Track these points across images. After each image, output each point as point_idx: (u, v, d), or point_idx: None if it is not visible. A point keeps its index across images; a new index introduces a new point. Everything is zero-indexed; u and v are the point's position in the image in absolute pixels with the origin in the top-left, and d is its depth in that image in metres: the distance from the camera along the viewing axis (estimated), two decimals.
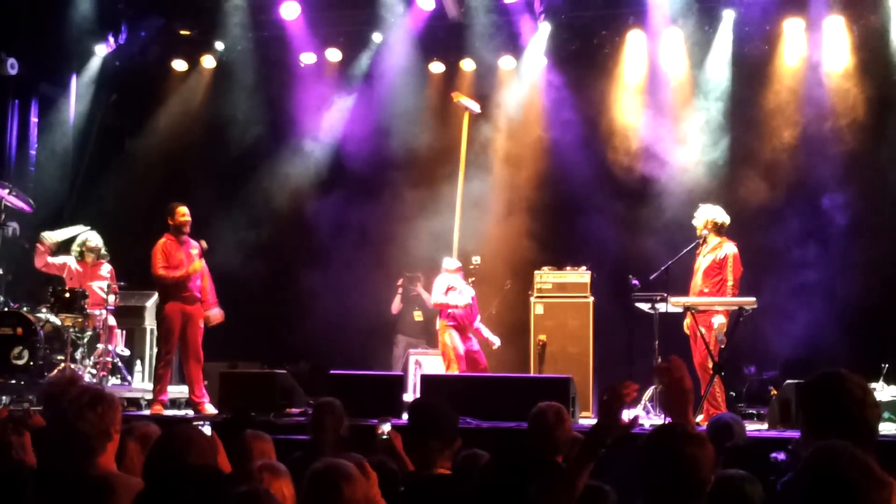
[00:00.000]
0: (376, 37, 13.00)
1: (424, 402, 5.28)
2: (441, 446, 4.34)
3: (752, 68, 11.96)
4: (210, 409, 9.77)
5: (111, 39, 13.32)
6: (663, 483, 3.00)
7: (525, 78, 12.82)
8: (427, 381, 9.57)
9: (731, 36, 11.97)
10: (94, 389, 4.14)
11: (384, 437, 5.09)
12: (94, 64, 13.38)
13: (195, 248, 9.95)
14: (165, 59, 13.56)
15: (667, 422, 3.64)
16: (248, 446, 4.61)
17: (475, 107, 11.82)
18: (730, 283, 9.33)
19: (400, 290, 12.23)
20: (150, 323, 11.83)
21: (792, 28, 11.77)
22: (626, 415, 9.11)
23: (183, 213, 9.93)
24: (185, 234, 9.93)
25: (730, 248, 9.44)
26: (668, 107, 12.11)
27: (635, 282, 9.66)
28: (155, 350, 10.92)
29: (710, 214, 9.54)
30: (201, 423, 6.78)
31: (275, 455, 4.87)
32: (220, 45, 13.33)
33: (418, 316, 12.21)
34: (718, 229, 9.52)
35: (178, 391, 11.17)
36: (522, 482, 2.63)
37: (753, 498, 3.15)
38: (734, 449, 4.40)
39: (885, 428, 8.33)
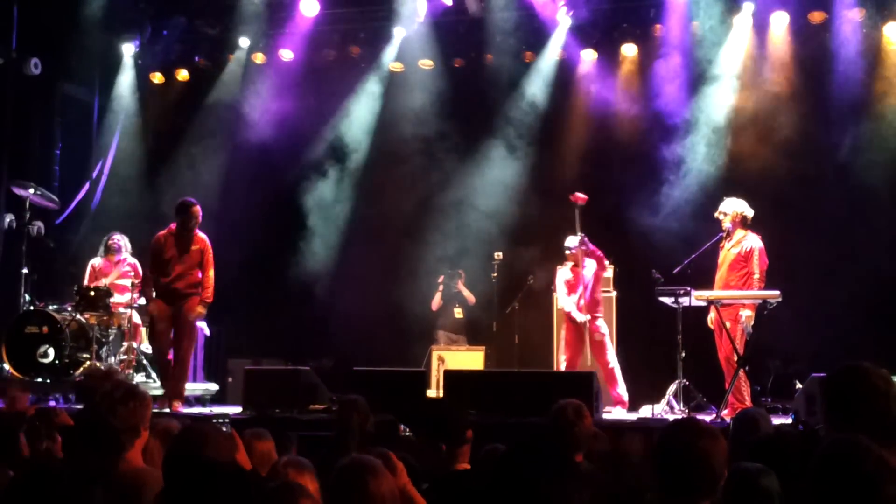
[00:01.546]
0: (397, 31, 12.99)
1: (430, 403, 5.27)
2: (449, 447, 4.32)
3: (774, 59, 11.87)
4: (180, 407, 9.64)
5: (136, 39, 13.40)
6: (675, 475, 3.01)
7: (546, 72, 12.78)
8: (450, 376, 9.56)
9: (750, 28, 11.89)
10: (127, 385, 4.19)
11: (406, 434, 5.11)
12: (117, 63, 13.46)
13: (197, 244, 9.83)
14: (188, 57, 13.60)
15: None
16: (248, 447, 4.60)
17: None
18: (756, 275, 9.29)
19: (441, 288, 12.21)
20: None
21: (813, 20, 11.70)
22: (651, 410, 9.11)
23: (197, 214, 9.80)
24: (191, 231, 9.83)
25: (755, 241, 9.40)
26: (691, 98, 12.02)
27: (658, 276, 9.62)
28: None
29: (737, 207, 9.50)
30: (221, 420, 6.82)
31: (276, 454, 4.89)
32: (244, 42, 13.34)
33: (458, 313, 12.19)
34: (744, 222, 9.49)
35: (202, 388, 11.25)
36: (537, 478, 2.64)
37: (770, 491, 3.14)
38: (759, 443, 4.37)
39: None
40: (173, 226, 9.87)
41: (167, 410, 9.48)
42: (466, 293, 12.13)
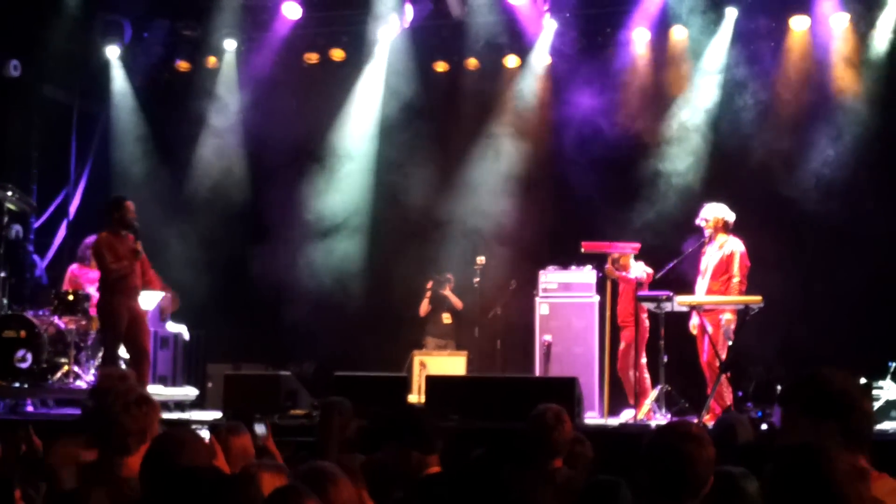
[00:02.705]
0: (380, 35, 12.92)
1: (406, 410, 5.19)
2: (421, 454, 4.26)
3: (755, 65, 11.89)
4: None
5: (117, 42, 13.29)
6: (661, 478, 3.01)
7: (530, 77, 12.78)
8: (432, 382, 9.51)
9: (733, 33, 11.90)
10: (141, 391, 4.20)
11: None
12: (97, 66, 13.36)
13: (135, 243, 9.45)
14: (169, 60, 13.51)
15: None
16: (224, 443, 4.55)
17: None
18: (736, 279, 9.29)
19: (429, 294, 12.16)
20: (153, 325, 11.76)
21: (796, 25, 11.73)
22: (633, 415, 9.10)
23: (132, 208, 9.51)
24: (128, 230, 9.45)
25: (736, 245, 9.41)
26: (673, 103, 12.03)
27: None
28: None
29: (718, 213, 9.49)
30: (199, 426, 6.75)
31: (254, 450, 4.84)
32: (226, 45, 13.26)
33: (447, 318, 12.16)
34: (725, 227, 9.48)
35: (182, 393, 11.17)
36: (506, 481, 2.62)
37: (751, 494, 3.14)
38: (746, 447, 4.38)
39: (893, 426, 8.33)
40: (113, 226, 9.47)
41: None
42: (454, 298, 12.09)
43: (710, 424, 7.68)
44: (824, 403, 3.15)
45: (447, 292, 12.14)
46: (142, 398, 4.00)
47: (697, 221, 9.61)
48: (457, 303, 12.10)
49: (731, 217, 9.52)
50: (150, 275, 9.81)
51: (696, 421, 8.61)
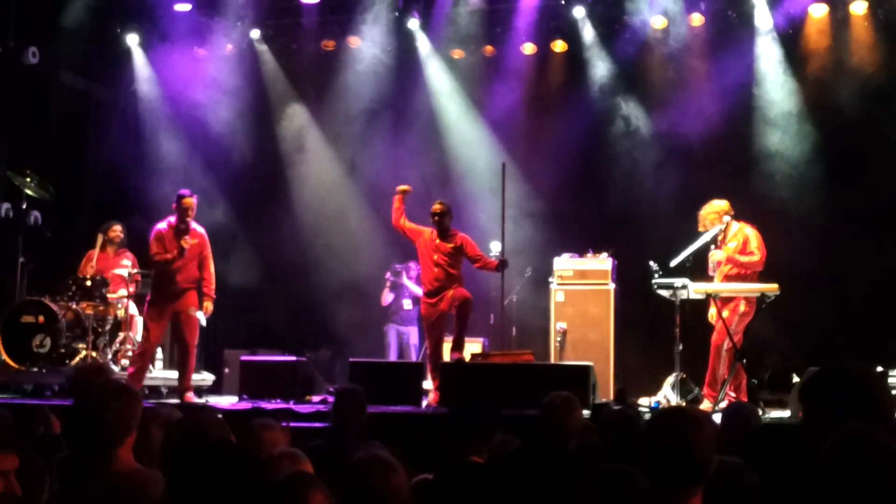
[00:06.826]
0: (410, 24, 12.90)
1: (465, 398, 5.18)
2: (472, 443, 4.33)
3: (775, 52, 11.84)
4: (193, 397, 9.70)
5: (135, 28, 13.32)
6: (663, 464, 3.00)
7: (549, 63, 12.76)
8: (446, 368, 9.54)
9: (755, 19, 11.84)
10: (120, 382, 4.19)
11: None
12: (115, 53, 13.39)
13: (194, 238, 9.67)
14: (189, 46, 13.50)
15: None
16: (258, 437, 4.53)
17: None
18: (756, 256, 9.18)
19: (388, 284, 12.21)
20: None
21: (816, 13, 11.66)
22: (647, 401, 9.07)
23: (190, 205, 9.66)
24: (186, 223, 9.67)
25: (749, 229, 9.35)
26: (695, 90, 11.97)
27: (656, 268, 9.58)
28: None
29: (713, 207, 9.40)
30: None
31: (286, 443, 4.83)
32: (242, 31, 13.28)
33: (408, 305, 12.21)
34: (728, 212, 9.40)
35: (198, 378, 11.23)
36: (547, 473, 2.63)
37: (749, 486, 3.13)
38: (747, 436, 4.36)
39: None
40: (174, 219, 9.75)
41: (175, 401, 9.41)
42: (413, 287, 12.06)
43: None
44: (849, 399, 3.15)
45: (404, 280, 12.16)
46: (121, 389, 3.96)
47: (705, 223, 9.47)
48: (415, 290, 12.11)
49: (726, 203, 9.44)
50: (207, 274, 9.94)
51: (711, 408, 8.62)
